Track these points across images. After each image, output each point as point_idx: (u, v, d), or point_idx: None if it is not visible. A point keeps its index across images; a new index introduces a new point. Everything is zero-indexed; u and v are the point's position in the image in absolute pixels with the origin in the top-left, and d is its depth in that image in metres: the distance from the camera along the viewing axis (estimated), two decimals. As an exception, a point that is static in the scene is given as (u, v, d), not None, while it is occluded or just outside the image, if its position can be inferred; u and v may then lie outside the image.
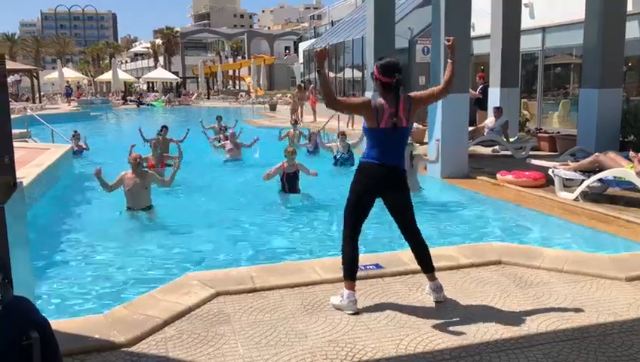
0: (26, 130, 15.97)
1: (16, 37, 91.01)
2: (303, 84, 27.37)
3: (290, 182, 8.70)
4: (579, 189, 7.59)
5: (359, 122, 15.26)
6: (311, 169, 8.89)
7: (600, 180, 7.50)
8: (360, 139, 11.89)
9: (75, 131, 14.54)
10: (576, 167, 7.87)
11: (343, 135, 11.98)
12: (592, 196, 7.62)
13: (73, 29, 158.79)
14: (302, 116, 22.10)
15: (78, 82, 46.39)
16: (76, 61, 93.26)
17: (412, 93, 4.16)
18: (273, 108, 31.86)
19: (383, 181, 4.00)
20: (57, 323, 3.56)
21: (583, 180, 7.61)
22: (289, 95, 33.05)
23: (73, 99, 39.96)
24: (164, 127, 12.88)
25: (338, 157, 11.55)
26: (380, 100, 3.96)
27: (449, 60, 4.14)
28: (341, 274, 4.15)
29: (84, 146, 14.14)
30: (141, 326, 3.72)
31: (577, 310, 3.96)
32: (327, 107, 4.12)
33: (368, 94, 12.45)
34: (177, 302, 4.11)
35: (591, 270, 4.66)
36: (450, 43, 4.13)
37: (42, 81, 44.77)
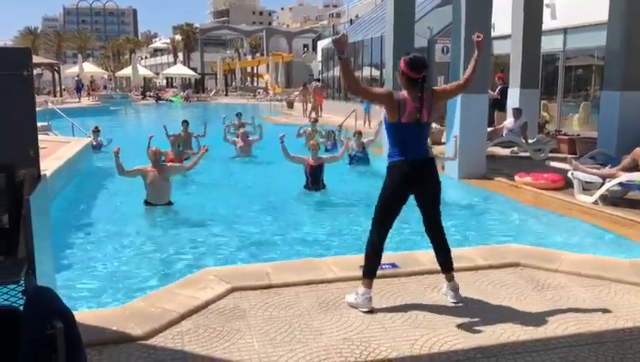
0: (46, 123, 16.17)
1: (38, 31, 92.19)
2: (305, 83, 28.23)
3: (314, 175, 8.81)
4: (598, 192, 7.50)
5: (375, 120, 15.21)
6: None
7: (620, 184, 7.41)
8: (374, 135, 11.87)
9: (96, 127, 14.65)
10: (620, 168, 7.72)
11: (359, 134, 11.97)
12: (612, 199, 7.53)
13: (94, 24, 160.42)
14: (309, 113, 22.27)
15: (91, 76, 45.58)
16: (97, 56, 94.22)
17: (435, 87, 4.17)
18: (290, 105, 31.91)
19: (415, 176, 3.99)
20: (76, 314, 3.59)
21: (602, 183, 7.52)
22: (296, 93, 33.39)
23: (90, 94, 39.50)
24: (185, 122, 12.98)
25: (353, 155, 11.55)
26: (404, 94, 3.96)
27: (473, 57, 4.13)
28: (357, 273, 4.15)
29: (104, 143, 14.26)
30: (158, 320, 3.75)
31: (595, 314, 3.91)
32: (349, 93, 4.14)
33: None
34: (194, 296, 4.14)
35: (610, 274, 4.60)
36: (480, 39, 4.12)
37: (63, 75, 45.31)
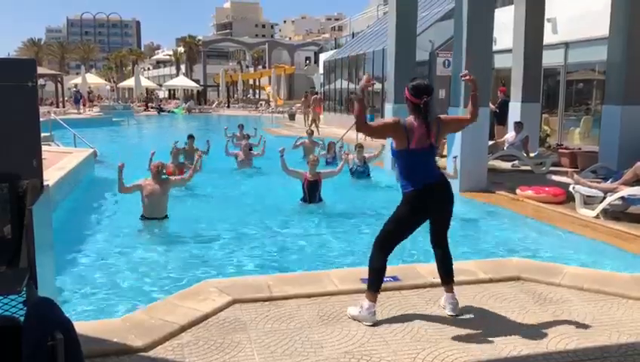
0: (49, 134, 16.21)
1: (42, 42, 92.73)
2: (307, 93, 28.92)
3: (310, 190, 8.82)
4: (600, 206, 7.49)
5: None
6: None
7: (622, 198, 7.40)
8: (377, 153, 11.91)
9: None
10: (622, 183, 7.72)
11: (360, 147, 11.98)
12: (613, 214, 7.52)
13: (98, 36, 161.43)
14: (310, 125, 22.43)
15: (89, 87, 44.94)
16: (100, 67, 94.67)
17: (442, 116, 4.21)
18: (292, 117, 32.00)
19: (433, 202, 4.02)
20: (76, 325, 3.58)
21: (604, 197, 7.52)
22: (298, 104, 33.80)
23: (85, 105, 38.39)
24: (191, 137, 13.02)
25: (354, 169, 11.56)
26: (410, 120, 4.00)
27: (471, 94, 4.19)
28: (358, 286, 4.14)
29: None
30: (158, 332, 3.74)
31: (598, 329, 3.90)
32: (358, 131, 4.16)
33: (388, 106, 12.46)
34: (194, 308, 4.13)
35: (612, 289, 4.59)
36: (467, 78, 4.17)
37: (66, 86, 45.41)
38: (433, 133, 3.98)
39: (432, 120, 3.99)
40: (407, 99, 4.06)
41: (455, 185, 9.59)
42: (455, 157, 9.26)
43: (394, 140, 4.03)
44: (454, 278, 4.21)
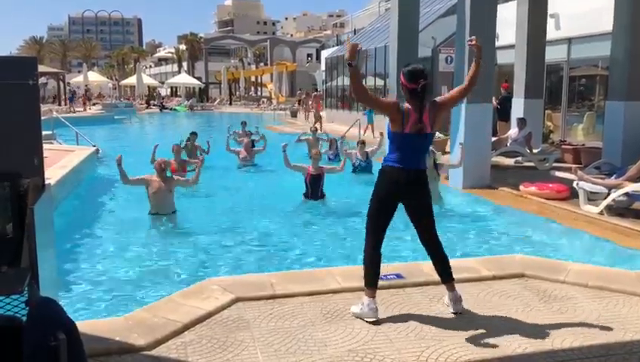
0: (51, 132, 16.22)
1: (44, 40, 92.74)
2: (301, 91, 29.63)
3: (313, 184, 8.80)
4: (604, 203, 7.46)
5: (379, 129, 15.19)
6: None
7: (626, 194, 7.37)
8: (378, 146, 11.87)
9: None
10: (626, 179, 7.68)
11: (362, 143, 11.97)
12: (618, 210, 7.49)
13: (99, 34, 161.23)
14: (314, 122, 22.48)
15: (86, 85, 43.93)
16: (101, 65, 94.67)
17: (437, 98, 4.16)
18: (294, 114, 32.00)
19: (404, 183, 3.98)
20: (78, 324, 3.57)
21: (608, 193, 7.49)
22: (299, 100, 34.01)
23: (85, 103, 37.76)
24: (194, 134, 13.01)
25: (357, 164, 11.55)
26: (407, 105, 3.96)
27: (475, 59, 4.13)
28: (361, 283, 4.11)
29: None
30: (161, 330, 3.73)
31: (603, 327, 3.87)
32: (356, 100, 4.14)
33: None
34: (197, 306, 4.11)
35: (617, 286, 4.56)
36: (473, 42, 4.12)
37: (72, 84, 45.30)
38: (428, 118, 3.94)
39: (428, 104, 3.95)
40: (402, 85, 4.03)
41: (458, 181, 9.65)
42: (461, 143, 9.21)
43: (390, 122, 4.01)
44: (455, 276, 4.15)
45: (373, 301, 3.99)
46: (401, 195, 4.04)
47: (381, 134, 11.89)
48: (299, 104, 35.24)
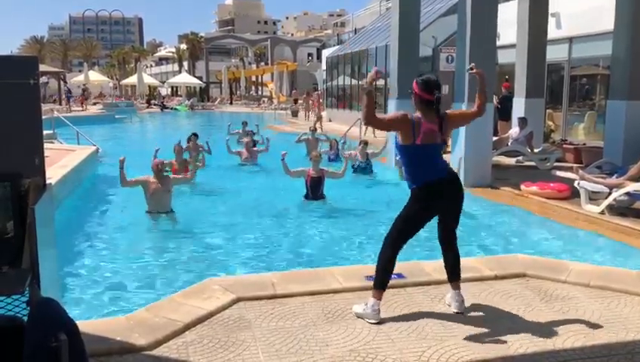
0: (52, 132, 16.22)
1: (44, 40, 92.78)
2: (295, 90, 30.10)
3: (314, 186, 8.80)
4: (605, 202, 7.44)
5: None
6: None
7: (627, 194, 7.36)
8: (381, 150, 11.87)
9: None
10: (627, 178, 7.67)
11: (365, 143, 11.96)
12: (619, 209, 7.47)
13: (100, 33, 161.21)
14: (314, 123, 22.52)
15: (84, 85, 43.02)
16: (102, 64, 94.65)
17: (449, 111, 4.17)
18: (295, 114, 32.00)
19: (441, 196, 3.98)
20: (79, 324, 3.57)
21: (609, 193, 7.47)
22: (300, 100, 34.08)
23: (83, 103, 37.43)
24: (195, 135, 13.01)
25: (356, 165, 11.54)
26: (417, 115, 3.94)
27: (478, 89, 4.14)
28: (362, 283, 4.11)
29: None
30: (162, 330, 3.72)
31: (604, 327, 3.86)
32: (366, 124, 4.13)
33: (391, 102, 12.40)
34: (198, 306, 4.11)
35: (618, 286, 4.55)
36: (474, 71, 4.12)
37: (69, 83, 45.21)
38: (438, 129, 3.94)
39: (438, 115, 3.94)
40: (416, 95, 3.98)
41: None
42: (461, 158, 9.24)
43: (400, 135, 3.97)
44: (461, 275, 4.18)
45: (378, 303, 3.98)
46: (438, 207, 4.04)
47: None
48: (295, 103, 35.47)
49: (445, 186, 3.98)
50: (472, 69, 4.19)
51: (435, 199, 3.97)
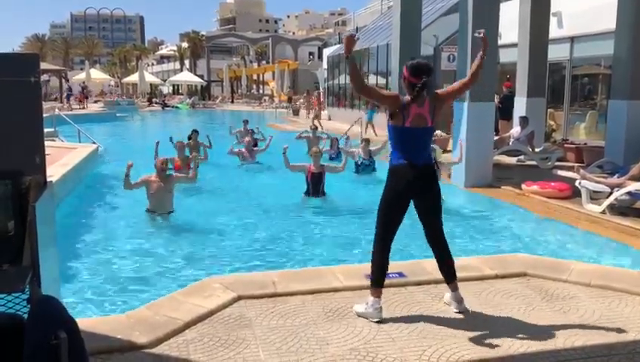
0: (53, 130, 16.22)
1: (46, 38, 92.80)
2: (291, 89, 30.37)
3: (315, 182, 8.81)
4: (606, 202, 7.44)
5: (380, 128, 15.20)
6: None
7: (629, 193, 7.35)
8: (382, 145, 11.86)
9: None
10: (629, 178, 7.66)
11: (366, 141, 11.95)
12: (620, 209, 7.47)
13: (102, 31, 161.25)
14: (312, 120, 22.53)
15: (83, 82, 42.21)
16: (104, 62, 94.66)
17: (439, 90, 4.16)
18: (296, 112, 31.99)
19: (416, 181, 3.95)
20: (80, 322, 3.57)
21: (610, 193, 7.47)
22: (301, 100, 34.15)
23: (82, 101, 37.16)
24: (195, 131, 13.01)
25: (360, 163, 11.53)
26: (407, 98, 3.95)
27: (479, 53, 4.13)
28: (363, 282, 4.11)
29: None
30: (163, 328, 3.72)
31: (605, 326, 3.86)
32: (356, 92, 4.14)
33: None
34: (199, 304, 4.11)
35: (619, 285, 4.55)
36: (482, 35, 4.12)
37: (70, 81, 45.18)
38: (429, 112, 3.93)
39: (429, 98, 3.94)
40: (404, 78, 4.01)
41: (460, 180, 9.63)
42: (461, 140, 9.20)
43: (390, 116, 3.99)
44: (458, 274, 4.15)
45: (378, 301, 3.97)
46: (411, 193, 4.00)
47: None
48: (289, 101, 35.63)
49: (420, 172, 3.94)
50: (480, 33, 4.17)
51: (407, 179, 3.92)
